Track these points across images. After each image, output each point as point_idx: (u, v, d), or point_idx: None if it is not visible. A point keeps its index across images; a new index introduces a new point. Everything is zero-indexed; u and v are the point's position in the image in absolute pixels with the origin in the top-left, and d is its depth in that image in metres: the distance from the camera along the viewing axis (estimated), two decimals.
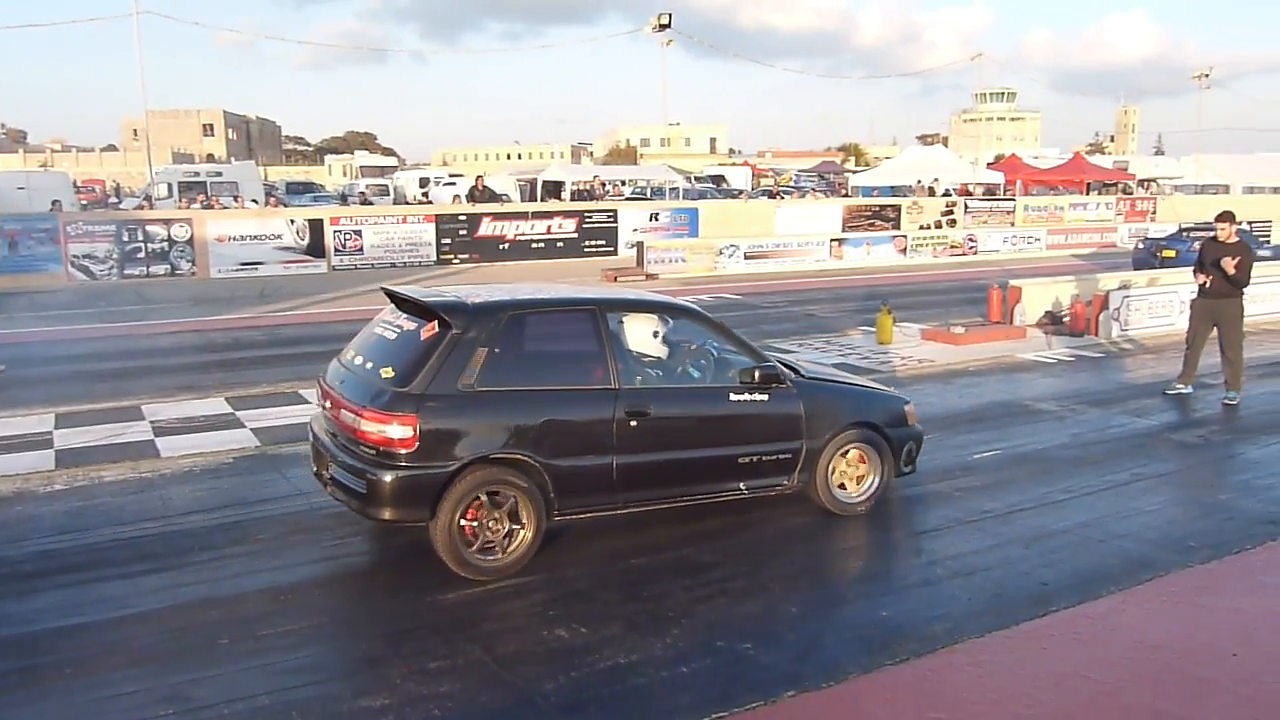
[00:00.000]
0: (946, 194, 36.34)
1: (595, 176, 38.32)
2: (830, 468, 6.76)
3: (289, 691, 4.44)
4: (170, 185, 33.48)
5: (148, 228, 22.41)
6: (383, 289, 6.89)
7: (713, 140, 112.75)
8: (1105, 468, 8.01)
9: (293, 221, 23.91)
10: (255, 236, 23.23)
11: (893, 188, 41.41)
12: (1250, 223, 31.50)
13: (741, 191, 44.59)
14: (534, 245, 26.14)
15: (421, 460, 5.48)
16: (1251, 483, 7.67)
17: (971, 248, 29.31)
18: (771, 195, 39.06)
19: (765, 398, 6.48)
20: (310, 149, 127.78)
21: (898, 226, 30.84)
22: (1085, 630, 5.13)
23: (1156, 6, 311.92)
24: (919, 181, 38.62)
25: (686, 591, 5.59)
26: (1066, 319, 14.83)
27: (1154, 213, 36.72)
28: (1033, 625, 5.18)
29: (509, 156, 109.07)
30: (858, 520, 6.80)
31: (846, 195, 42.16)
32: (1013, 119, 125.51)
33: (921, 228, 30.80)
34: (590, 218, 27.36)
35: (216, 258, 22.73)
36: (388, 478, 5.45)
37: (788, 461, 6.62)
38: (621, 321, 6.36)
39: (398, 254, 24.61)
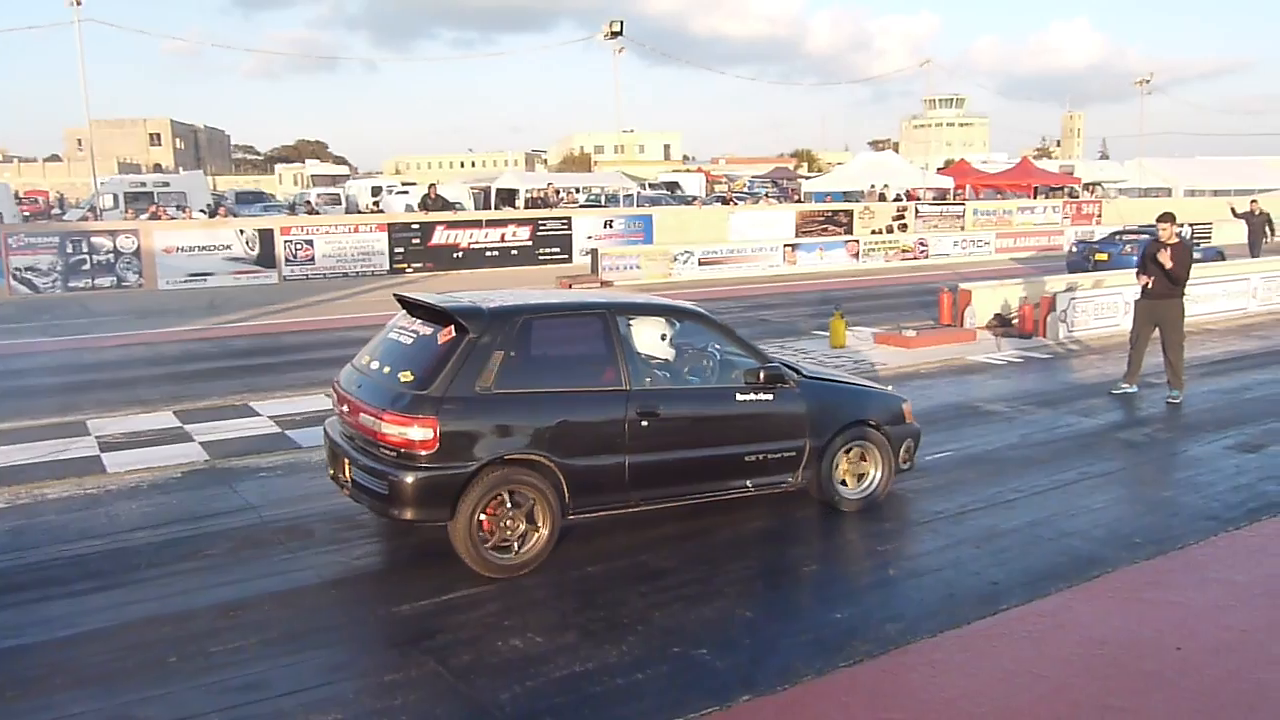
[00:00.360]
0: (898, 199, 36.80)
1: (549, 184, 38.31)
2: (834, 465, 6.94)
3: (240, 709, 4.38)
4: (116, 196, 33.00)
5: (93, 239, 22.00)
6: (395, 295, 6.96)
7: (667, 147, 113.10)
8: (1053, 467, 8.15)
9: (242, 231, 23.59)
10: (204, 247, 22.88)
11: (845, 193, 41.89)
12: (1192, 225, 32.26)
13: (695, 198, 44.79)
14: (488, 253, 26.03)
15: (441, 461, 5.60)
16: (1194, 479, 7.84)
17: (922, 252, 29.66)
18: (725, 201, 39.34)
19: (770, 397, 6.66)
20: (260, 158, 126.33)
21: (850, 231, 31.13)
22: (1035, 628, 5.20)
23: (1099, 14, 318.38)
24: (871, 187, 39.07)
25: (642, 598, 5.60)
26: (1015, 321, 15.06)
27: (1099, 216, 37.46)
28: (984, 624, 5.25)
29: (463, 164, 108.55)
30: (812, 524, 6.85)
31: (799, 201, 42.59)
32: (962, 124, 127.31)
33: (873, 232, 31.13)
34: (544, 225, 27.30)
35: (164, 269, 22.36)
36: (409, 479, 5.57)
37: (792, 459, 6.80)
38: (630, 324, 6.47)
39: (350, 264, 24.39)
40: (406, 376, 5.81)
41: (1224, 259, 21.58)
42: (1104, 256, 22.13)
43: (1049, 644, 5.00)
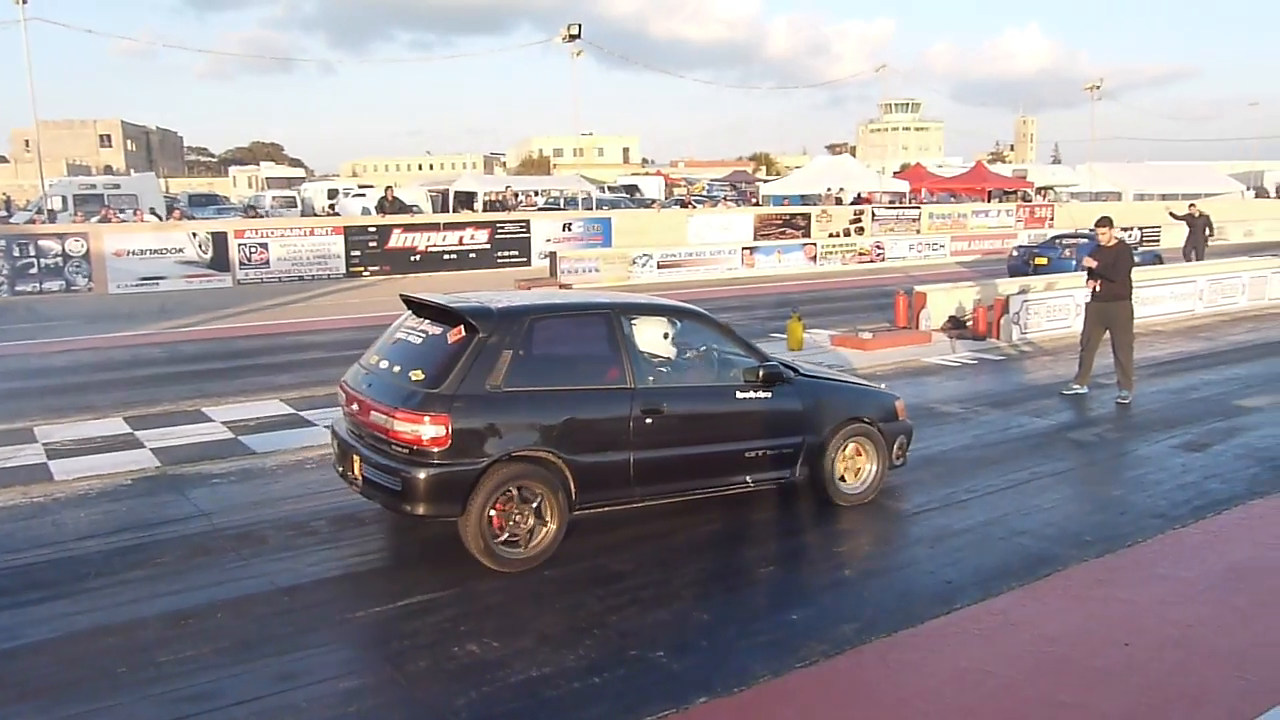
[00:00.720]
0: (855, 202, 37.12)
1: (508, 187, 38.21)
2: (832, 461, 7.11)
3: (190, 719, 4.31)
4: (65, 198, 32.36)
5: (41, 242, 21.59)
6: (401, 296, 7.04)
7: (625, 150, 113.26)
8: (1006, 467, 8.26)
9: (195, 235, 23.26)
10: (156, 250, 22.55)
11: (803, 196, 42.13)
12: (1141, 228, 32.89)
13: (654, 201, 44.90)
14: (446, 256, 25.89)
15: (453, 458, 5.71)
16: (1143, 478, 7.99)
17: (879, 255, 29.95)
18: (684, 205, 39.43)
19: (769, 395, 6.82)
20: (214, 160, 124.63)
21: (808, 234, 31.34)
22: (987, 626, 5.27)
23: (1050, 21, 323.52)
24: (828, 190, 39.37)
25: (599, 601, 5.59)
26: (969, 323, 15.26)
27: (1052, 219, 38.05)
28: (938, 623, 5.30)
29: (420, 167, 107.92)
30: (768, 525, 6.89)
31: (758, 204, 42.75)
32: (917, 129, 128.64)
33: (831, 235, 31.37)
34: (503, 228, 27.22)
35: (115, 273, 22.00)
36: (421, 475, 5.67)
37: (790, 455, 6.98)
38: (633, 324, 6.60)
39: (305, 267, 24.15)
40: (417, 375, 5.92)
41: (1161, 262, 22.02)
42: (1043, 261, 22.50)
43: (1001, 642, 5.07)
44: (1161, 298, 17.09)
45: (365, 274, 24.71)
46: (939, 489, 7.68)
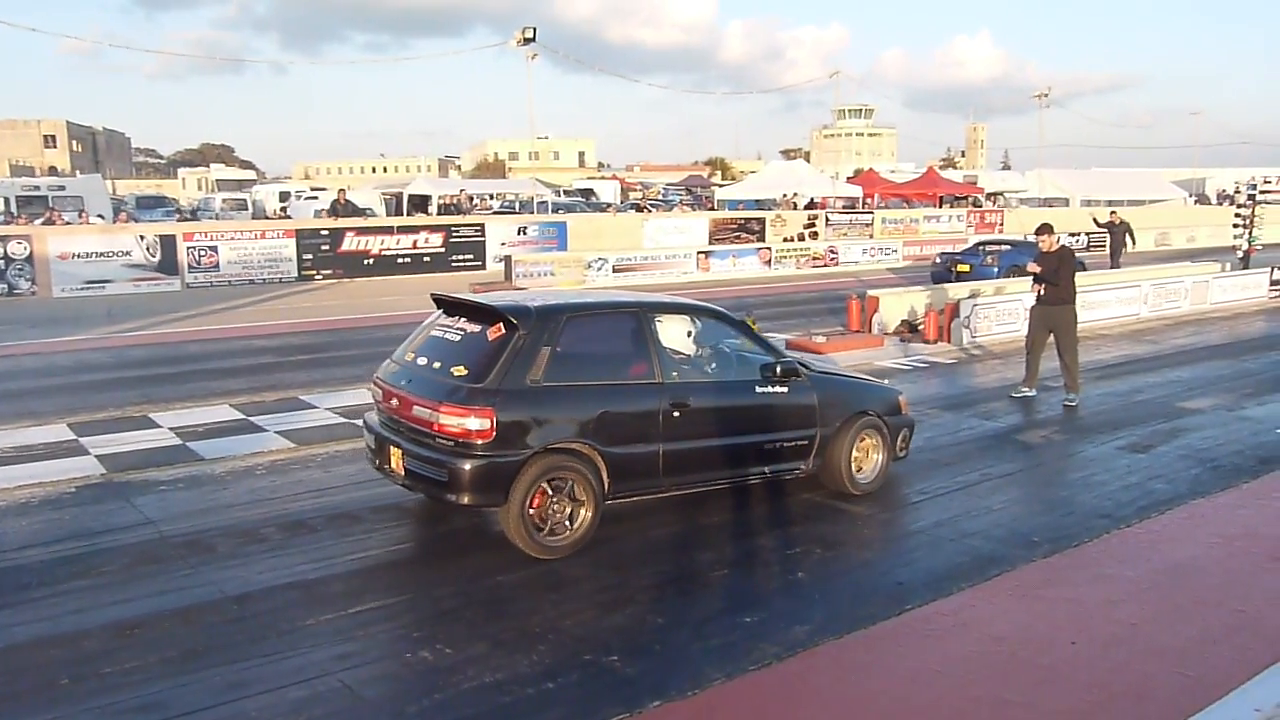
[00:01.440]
0: (809, 207, 37.41)
1: (462, 190, 38.00)
2: (843, 453, 7.43)
3: None
4: (8, 199, 31.62)
5: None
6: (432, 296, 7.27)
7: (581, 154, 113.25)
8: (957, 469, 8.37)
9: (142, 237, 22.84)
10: (102, 253, 22.09)
11: (757, 201, 42.39)
12: (1088, 234, 33.50)
13: (610, 205, 44.86)
14: (400, 260, 25.67)
15: (497, 449, 5.96)
16: (1089, 479, 8.14)
17: (833, 259, 30.21)
18: (639, 209, 39.42)
19: (785, 390, 7.19)
20: (163, 162, 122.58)
21: (762, 239, 31.52)
22: (938, 626, 5.33)
23: (1000, 29, 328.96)
24: (783, 195, 39.63)
25: (553, 606, 5.58)
26: (921, 327, 15.44)
27: (1002, 225, 38.60)
28: (890, 624, 5.36)
29: (374, 170, 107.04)
30: (722, 529, 6.91)
31: (713, 209, 42.93)
32: (870, 135, 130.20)
33: (785, 240, 31.58)
34: (457, 232, 27.05)
35: (59, 276, 21.51)
36: (467, 466, 5.92)
37: (804, 447, 7.35)
38: (659, 321, 6.89)
39: (256, 270, 23.81)
40: (460, 371, 6.15)
41: (1085, 269, 22.20)
42: (966, 267, 22.11)
43: (951, 642, 5.13)
44: (1108, 302, 17.42)
45: (318, 277, 24.43)
46: (890, 491, 7.76)
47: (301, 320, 18.00)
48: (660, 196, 57.66)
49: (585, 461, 6.26)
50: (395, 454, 6.36)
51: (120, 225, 25.83)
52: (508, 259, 24.30)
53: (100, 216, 29.77)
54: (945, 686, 4.65)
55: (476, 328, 6.46)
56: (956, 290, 16.51)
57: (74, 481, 7.85)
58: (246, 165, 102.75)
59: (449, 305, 6.95)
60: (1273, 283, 21.15)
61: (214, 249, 23.34)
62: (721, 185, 62.40)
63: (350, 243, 25.07)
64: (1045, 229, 11.21)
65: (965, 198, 47.22)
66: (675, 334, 7.10)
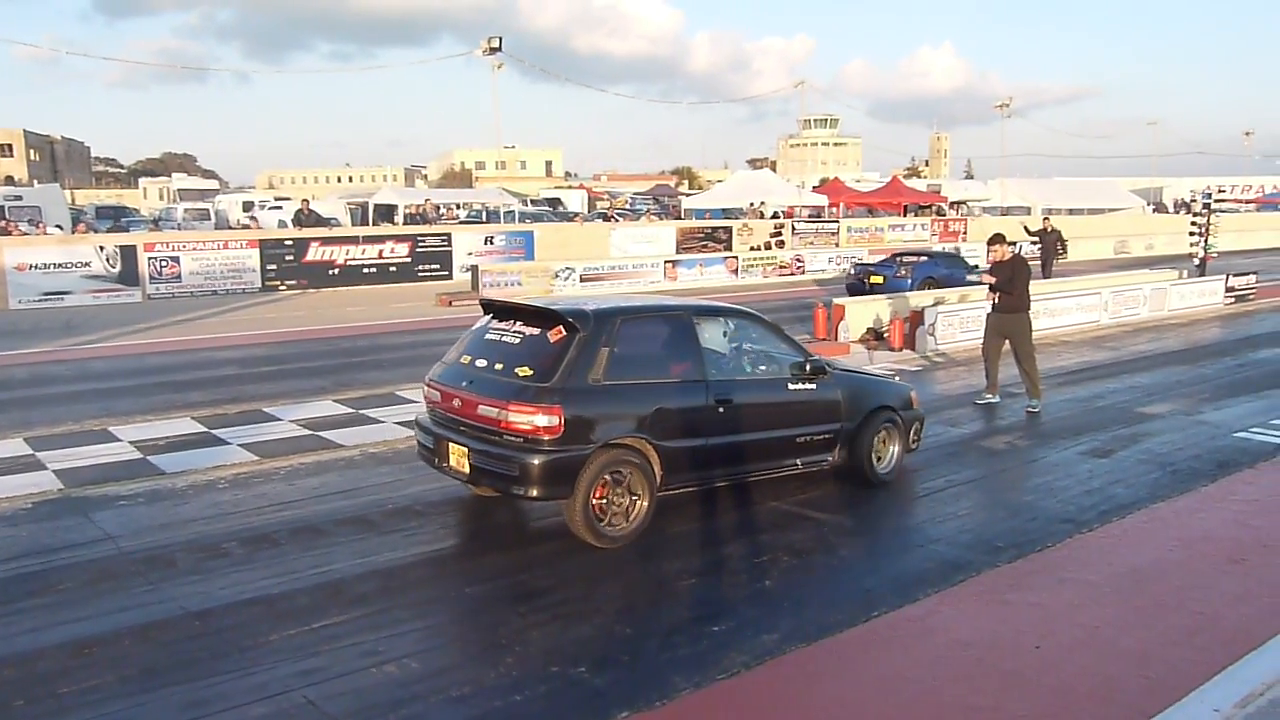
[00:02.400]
0: (775, 216, 37.61)
1: (429, 200, 37.76)
2: (865, 445, 7.96)
3: None
4: None
5: None
6: (482, 301, 7.75)
7: (549, 163, 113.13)
8: (922, 475, 8.44)
9: (102, 248, 22.51)
10: (60, 264, 21.74)
11: (724, 210, 42.59)
12: (1029, 243, 33.87)
13: (577, 214, 44.83)
14: (365, 270, 25.49)
15: (564, 445, 6.31)
16: (1052, 484, 8.23)
17: (799, 268, 30.37)
18: (607, 218, 39.47)
19: (813, 387, 7.69)
20: (124, 171, 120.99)
21: (729, 248, 31.63)
22: (905, 633, 5.36)
23: (962, 41, 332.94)
24: (750, 204, 39.83)
25: (521, 618, 5.54)
26: (887, 335, 15.55)
27: (965, 233, 39.02)
28: (857, 631, 5.38)
29: (339, 179, 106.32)
30: (689, 538, 6.91)
31: (680, 217, 43.05)
32: (836, 144, 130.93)
33: (752, 249, 31.71)
34: (424, 242, 26.90)
35: (16, 287, 21.14)
36: (536, 461, 6.25)
37: (830, 440, 7.85)
38: (702, 323, 7.32)
39: (219, 281, 23.54)
40: (525, 371, 6.50)
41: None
42: (879, 279, 21.46)
43: (918, 648, 5.16)
44: (1069, 309, 17.66)
45: (282, 288, 24.20)
46: (856, 498, 7.80)
47: (265, 331, 17.82)
48: (628, 206, 57.74)
49: (641, 455, 6.64)
50: (456, 451, 6.68)
51: (79, 235, 25.46)
52: (474, 269, 24.19)
53: (59, 227, 29.32)
54: (912, 693, 4.67)
55: (534, 331, 6.82)
56: (921, 298, 16.65)
57: (30, 497, 7.70)
58: (209, 175, 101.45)
59: (500, 310, 7.33)
60: (1228, 289, 21.55)
61: (176, 259, 23.05)
62: (688, 194, 62.61)
63: (315, 253, 24.86)
64: (998, 239, 11.34)
65: (929, 206, 47.69)
66: (714, 335, 7.47)
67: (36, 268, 21.45)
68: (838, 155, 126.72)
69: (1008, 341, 11.22)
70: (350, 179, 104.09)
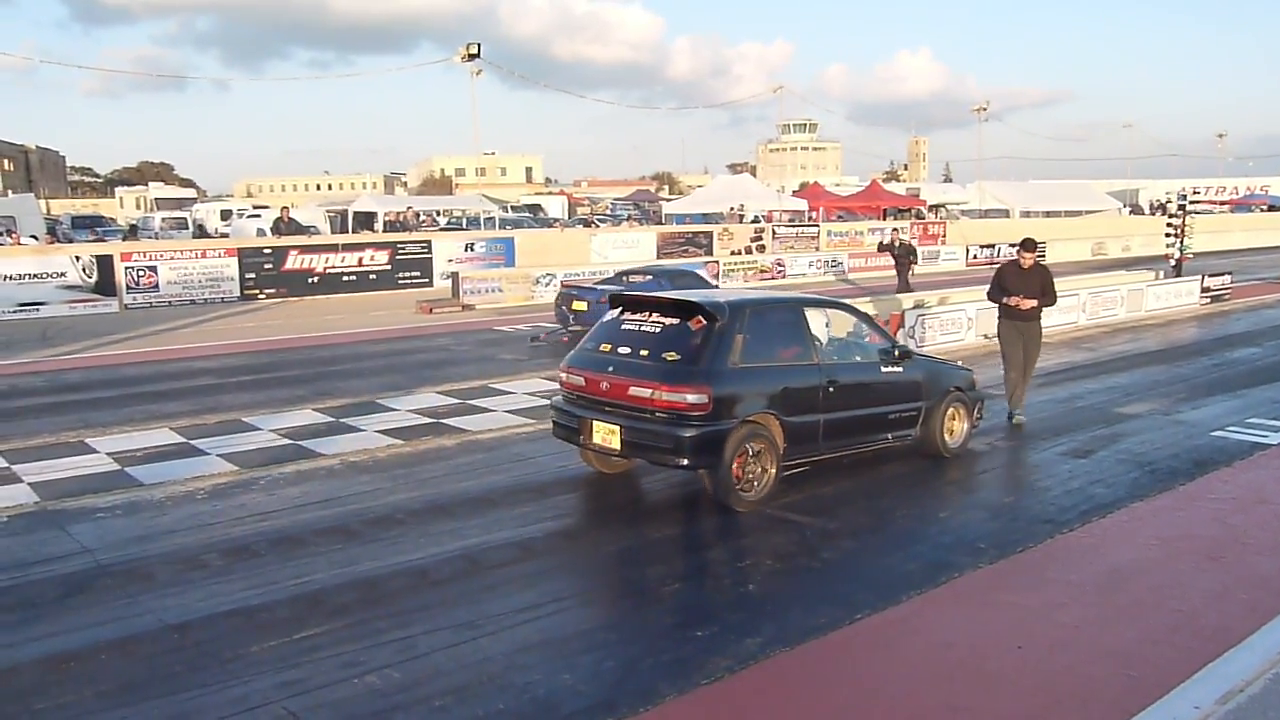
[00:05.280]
0: (755, 220, 37.72)
1: (409, 207, 37.76)
2: (944, 422, 8.87)
3: None
4: None
5: None
6: (611, 296, 8.61)
7: (529, 170, 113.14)
8: (907, 479, 8.47)
9: (78, 258, 22.32)
10: (36, 275, 21.56)
11: (705, 215, 42.67)
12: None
13: (558, 220, 44.87)
14: (345, 278, 25.40)
15: (711, 420, 7.10)
16: (1033, 485, 8.29)
17: (780, 272, 30.46)
18: (587, 224, 39.49)
19: (900, 369, 8.55)
20: (100, 180, 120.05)
21: (710, 252, 31.70)
22: (887, 635, 5.37)
23: (940, 46, 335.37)
24: (730, 209, 39.93)
25: (506, 627, 5.50)
26: None
27: (944, 236, 39.24)
28: (840, 634, 5.37)
29: (319, 187, 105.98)
30: (672, 542, 6.91)
31: (661, 223, 43.10)
32: (815, 148, 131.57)
33: (733, 253, 31.80)
34: (404, 249, 26.83)
35: None
36: (689, 434, 7.05)
37: (914, 418, 8.70)
38: (810, 313, 8.20)
39: (198, 290, 23.40)
40: (672, 356, 7.27)
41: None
42: (582, 306, 16.36)
43: (900, 650, 5.17)
44: (1047, 310, 17.69)
45: (261, 297, 24.07)
46: (839, 500, 7.81)
47: (244, 341, 17.69)
48: (608, 211, 57.80)
49: (771, 430, 7.45)
50: (602, 429, 7.42)
51: (55, 245, 25.27)
52: (455, 275, 24.12)
53: (34, 237, 29.08)
54: (895, 695, 4.68)
55: (674, 320, 7.57)
56: (903, 300, 16.71)
57: (5, 511, 7.60)
58: (187, 183, 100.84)
59: (632, 304, 8.09)
60: (1204, 290, 21.75)
61: (153, 269, 22.90)
62: (669, 200, 62.69)
63: (294, 261, 24.74)
64: (1028, 246, 10.49)
65: (908, 210, 47.95)
66: (819, 323, 8.26)
67: (11, 278, 21.25)
68: (817, 159, 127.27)
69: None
70: (329, 186, 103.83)
